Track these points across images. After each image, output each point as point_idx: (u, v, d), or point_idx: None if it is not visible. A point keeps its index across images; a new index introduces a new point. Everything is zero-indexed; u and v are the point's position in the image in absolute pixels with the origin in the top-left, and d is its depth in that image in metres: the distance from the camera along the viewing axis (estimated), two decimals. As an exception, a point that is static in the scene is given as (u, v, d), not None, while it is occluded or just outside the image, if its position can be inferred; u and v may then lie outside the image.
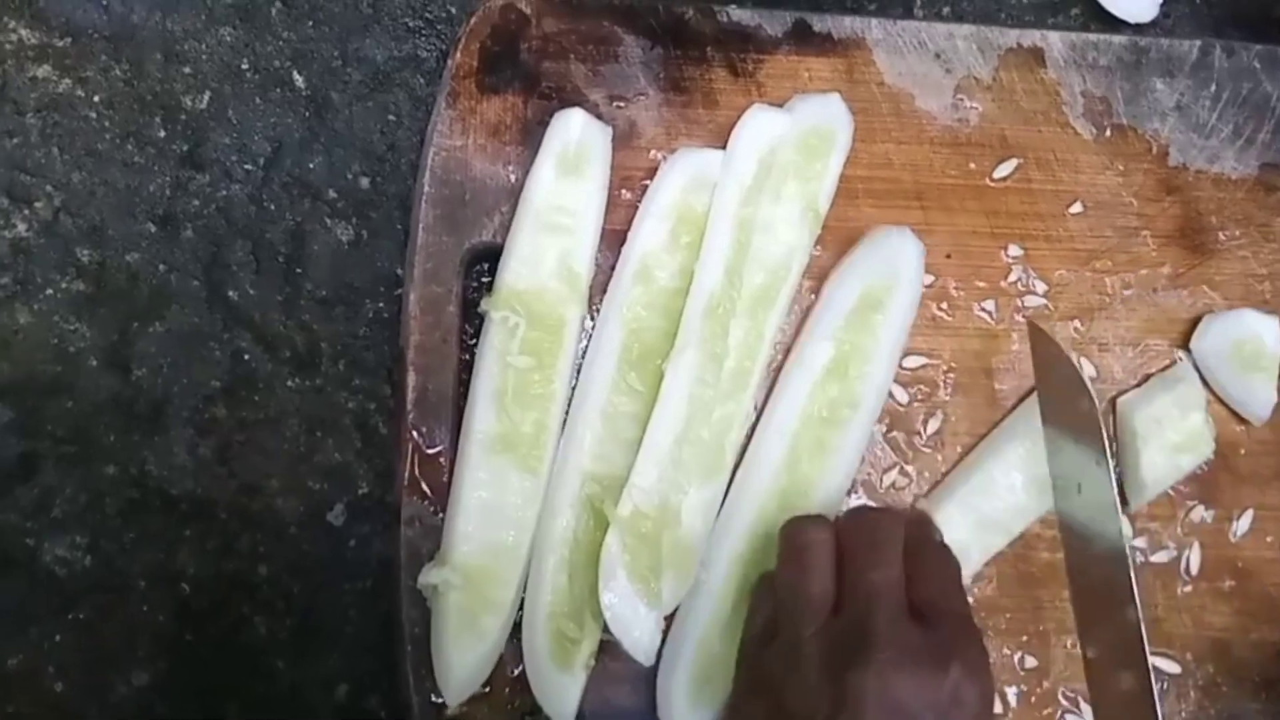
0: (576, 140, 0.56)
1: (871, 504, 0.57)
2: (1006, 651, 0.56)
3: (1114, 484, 0.50)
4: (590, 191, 0.56)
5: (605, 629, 0.52)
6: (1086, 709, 0.56)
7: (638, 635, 0.52)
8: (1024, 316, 0.58)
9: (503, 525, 0.53)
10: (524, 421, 0.54)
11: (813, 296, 0.57)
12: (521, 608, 0.54)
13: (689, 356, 0.54)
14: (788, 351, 0.57)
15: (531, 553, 0.54)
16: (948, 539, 0.53)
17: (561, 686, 0.52)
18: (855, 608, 0.46)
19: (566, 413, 0.55)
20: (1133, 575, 0.48)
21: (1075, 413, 0.52)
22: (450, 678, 0.52)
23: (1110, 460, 0.50)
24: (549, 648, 0.52)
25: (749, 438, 0.56)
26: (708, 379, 0.54)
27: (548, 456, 0.54)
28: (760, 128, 0.56)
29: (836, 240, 0.58)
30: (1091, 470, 0.51)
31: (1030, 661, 0.56)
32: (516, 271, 0.55)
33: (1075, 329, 0.59)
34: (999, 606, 0.56)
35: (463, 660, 0.52)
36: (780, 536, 0.50)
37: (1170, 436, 0.56)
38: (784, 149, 0.56)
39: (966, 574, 0.56)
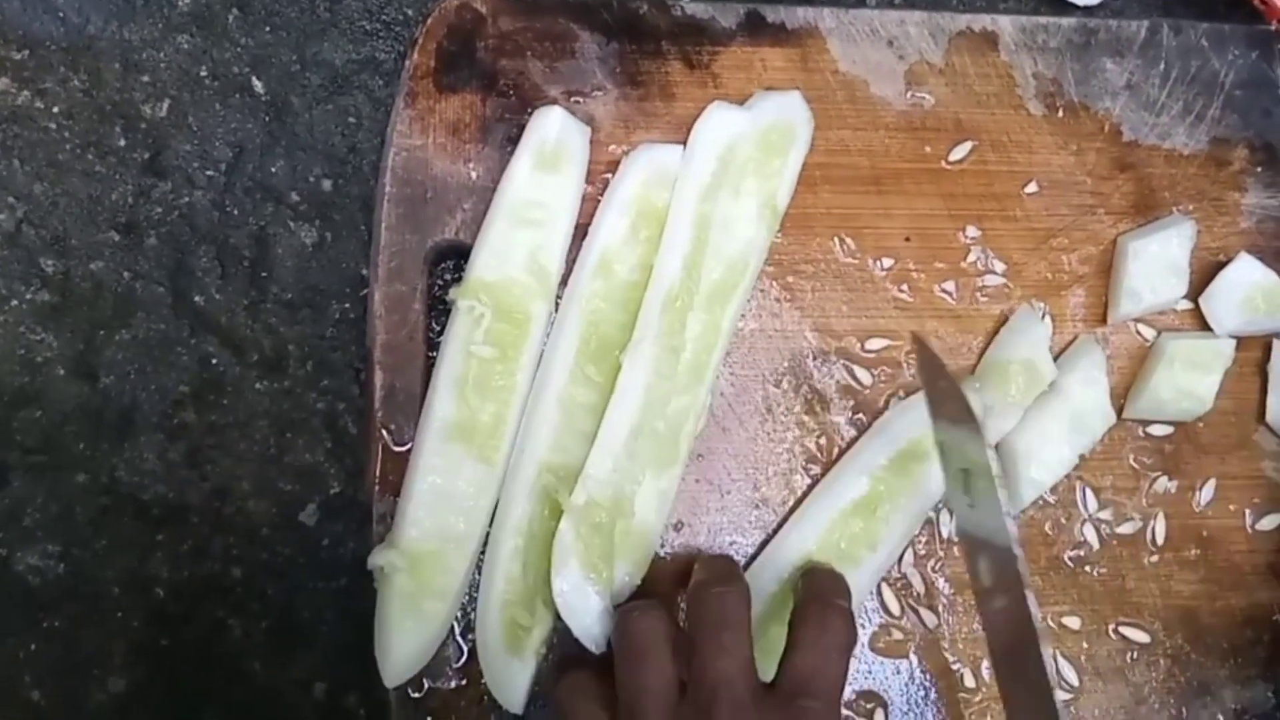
0: (555, 138, 0.56)
1: (717, 558, 0.55)
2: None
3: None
4: (566, 188, 0.56)
5: (557, 616, 0.53)
6: None
7: (588, 623, 0.52)
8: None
9: (454, 513, 0.53)
10: (483, 411, 0.54)
11: (773, 287, 0.58)
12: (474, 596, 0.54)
13: (646, 349, 0.54)
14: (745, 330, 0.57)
15: (482, 542, 0.54)
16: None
17: (512, 672, 0.53)
18: (700, 695, 0.46)
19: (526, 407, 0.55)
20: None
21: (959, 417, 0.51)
22: (389, 659, 0.52)
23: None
24: (501, 634, 0.53)
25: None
26: (664, 371, 0.54)
27: (504, 448, 0.54)
28: (720, 125, 0.57)
29: (796, 227, 0.58)
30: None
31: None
32: (486, 263, 0.55)
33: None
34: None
35: (403, 643, 0.52)
36: (615, 627, 0.50)
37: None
38: (744, 145, 0.57)
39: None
